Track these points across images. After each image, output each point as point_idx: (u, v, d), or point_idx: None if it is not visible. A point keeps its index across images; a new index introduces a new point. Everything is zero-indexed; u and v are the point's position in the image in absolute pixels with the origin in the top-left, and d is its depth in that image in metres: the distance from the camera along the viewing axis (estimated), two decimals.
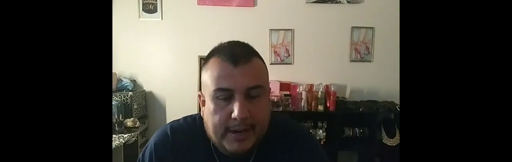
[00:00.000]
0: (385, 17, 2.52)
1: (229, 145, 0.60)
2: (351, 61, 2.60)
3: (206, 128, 0.64)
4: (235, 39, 0.66)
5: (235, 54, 0.59)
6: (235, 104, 0.57)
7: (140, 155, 0.72)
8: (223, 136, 0.60)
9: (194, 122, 0.70)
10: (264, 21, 2.54)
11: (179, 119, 0.73)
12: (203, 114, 0.65)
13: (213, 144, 0.66)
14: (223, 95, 0.58)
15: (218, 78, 0.58)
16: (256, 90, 0.59)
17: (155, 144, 0.69)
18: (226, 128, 0.59)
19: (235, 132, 0.59)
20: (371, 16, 2.55)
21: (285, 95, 2.34)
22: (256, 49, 0.66)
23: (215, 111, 0.59)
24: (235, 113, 0.57)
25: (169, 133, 0.69)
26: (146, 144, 0.72)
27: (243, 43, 0.64)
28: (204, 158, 0.67)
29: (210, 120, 0.61)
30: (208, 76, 0.60)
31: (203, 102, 0.65)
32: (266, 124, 0.63)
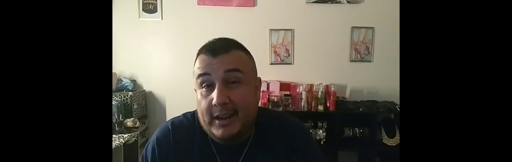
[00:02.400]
0: (385, 17, 2.52)
1: (216, 131, 0.64)
2: (351, 61, 2.59)
3: (199, 119, 0.68)
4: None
5: (215, 47, 0.65)
6: (214, 91, 0.61)
7: (143, 150, 0.75)
8: (210, 123, 0.64)
9: (192, 117, 0.74)
10: (264, 21, 2.54)
11: (179, 116, 0.78)
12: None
13: (210, 136, 0.70)
14: (205, 82, 0.63)
15: (199, 68, 0.64)
16: (234, 74, 0.63)
17: (157, 138, 0.73)
18: (210, 115, 0.63)
19: (219, 118, 0.63)
20: (371, 16, 2.55)
21: (285, 95, 2.34)
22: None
23: (200, 100, 0.64)
24: (214, 100, 0.61)
25: (170, 128, 0.73)
26: (149, 140, 0.76)
27: (227, 38, 0.69)
28: (203, 149, 0.71)
29: (198, 110, 0.66)
30: (194, 69, 0.66)
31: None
32: (251, 110, 0.67)
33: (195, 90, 0.68)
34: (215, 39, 0.69)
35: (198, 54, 0.67)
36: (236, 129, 0.63)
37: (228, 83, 0.63)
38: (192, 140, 0.72)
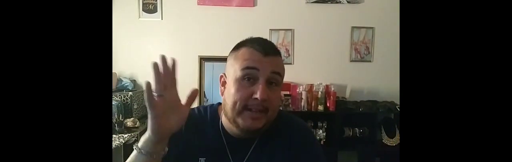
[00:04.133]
0: (385, 17, 2.52)
1: (244, 121, 0.67)
2: (351, 61, 2.59)
3: (223, 105, 0.72)
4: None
5: (266, 47, 0.69)
6: (258, 86, 0.65)
7: None
8: (240, 112, 0.67)
9: (205, 110, 0.79)
10: (264, 21, 2.54)
11: (193, 108, 0.80)
12: (222, 93, 0.74)
13: (222, 127, 0.75)
14: (249, 75, 0.67)
15: (248, 60, 0.67)
16: (276, 76, 0.68)
17: None
18: (244, 105, 0.66)
19: (251, 110, 0.67)
20: (371, 16, 2.55)
21: (285, 95, 2.34)
22: None
23: (238, 90, 0.67)
24: (257, 94, 0.65)
25: None
26: None
27: (270, 41, 0.74)
28: (214, 140, 0.75)
29: (230, 98, 0.68)
30: (238, 60, 0.69)
31: (223, 83, 0.74)
32: (277, 111, 0.72)
33: (223, 76, 0.73)
34: (259, 38, 0.73)
35: (243, 46, 0.71)
36: (261, 124, 0.68)
37: (269, 83, 0.67)
38: (204, 132, 0.75)
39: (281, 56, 0.73)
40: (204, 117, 0.78)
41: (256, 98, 0.65)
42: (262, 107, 0.66)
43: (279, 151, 0.75)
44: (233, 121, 0.69)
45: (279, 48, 0.74)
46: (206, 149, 0.74)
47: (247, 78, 0.67)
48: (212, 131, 0.75)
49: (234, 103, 0.67)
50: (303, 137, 0.77)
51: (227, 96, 0.70)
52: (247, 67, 0.67)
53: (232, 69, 0.69)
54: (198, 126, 0.76)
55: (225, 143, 0.74)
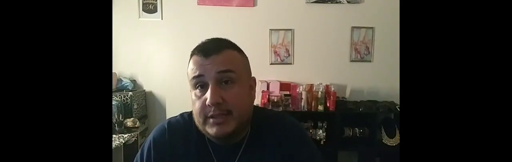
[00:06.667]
0: (385, 17, 2.52)
1: (210, 129, 0.64)
2: (351, 61, 2.59)
3: (195, 119, 0.68)
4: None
5: (206, 48, 0.65)
6: (208, 92, 0.62)
7: (140, 150, 0.76)
8: (204, 122, 0.64)
9: (189, 117, 0.74)
10: (264, 21, 2.54)
11: (177, 116, 0.78)
12: None
13: (206, 135, 0.70)
14: (199, 83, 0.63)
15: (193, 69, 0.64)
16: (226, 74, 0.63)
17: (154, 138, 0.74)
18: (204, 115, 0.63)
19: (212, 117, 0.63)
20: (371, 16, 2.55)
21: (285, 95, 2.34)
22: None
23: (195, 101, 0.65)
24: (207, 100, 0.61)
25: (166, 128, 0.74)
26: (146, 139, 0.76)
27: (220, 38, 0.69)
28: (199, 149, 0.71)
29: (193, 111, 0.66)
30: (188, 71, 0.66)
31: None
32: (245, 109, 0.67)
33: (190, 91, 0.69)
34: (208, 39, 0.69)
35: (191, 55, 0.68)
36: (230, 128, 0.63)
37: (221, 83, 0.63)
38: (188, 140, 0.72)
39: (232, 49, 0.67)
40: (189, 123, 0.73)
41: (209, 105, 0.61)
42: (220, 111, 0.62)
43: (269, 153, 0.70)
44: (205, 132, 0.65)
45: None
46: (192, 157, 0.70)
47: (199, 87, 0.64)
48: (197, 138, 0.71)
49: (196, 115, 0.65)
50: (295, 138, 0.72)
51: (192, 110, 0.67)
52: (194, 77, 0.63)
53: (189, 82, 0.66)
54: (182, 133, 0.72)
55: (211, 151, 0.70)
